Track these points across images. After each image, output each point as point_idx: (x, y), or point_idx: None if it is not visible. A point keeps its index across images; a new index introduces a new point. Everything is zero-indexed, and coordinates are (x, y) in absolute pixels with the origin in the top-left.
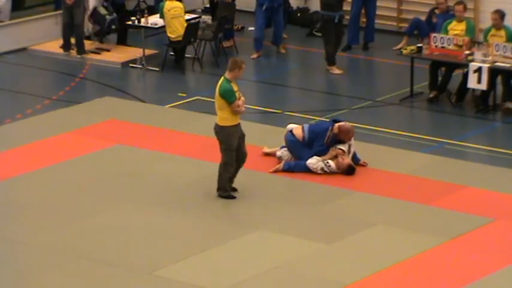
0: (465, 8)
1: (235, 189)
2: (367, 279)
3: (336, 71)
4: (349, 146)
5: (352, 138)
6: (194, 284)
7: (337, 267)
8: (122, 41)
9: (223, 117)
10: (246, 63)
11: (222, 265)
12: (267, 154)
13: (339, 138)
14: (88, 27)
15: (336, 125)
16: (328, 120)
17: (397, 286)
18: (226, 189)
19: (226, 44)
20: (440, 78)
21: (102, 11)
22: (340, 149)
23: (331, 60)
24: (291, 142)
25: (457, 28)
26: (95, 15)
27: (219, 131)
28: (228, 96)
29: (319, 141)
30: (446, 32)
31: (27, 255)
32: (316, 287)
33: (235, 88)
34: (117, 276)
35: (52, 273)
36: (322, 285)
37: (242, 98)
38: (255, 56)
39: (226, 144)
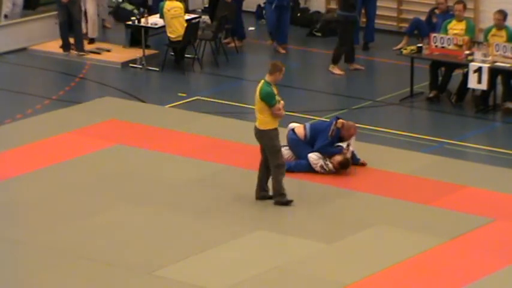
0: (465, 8)
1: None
2: (367, 279)
3: (337, 71)
4: (348, 145)
5: (353, 138)
6: (194, 284)
7: (337, 267)
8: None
9: (264, 120)
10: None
11: (222, 265)
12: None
13: (341, 135)
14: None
15: (340, 120)
16: (328, 120)
17: (397, 286)
18: (283, 194)
19: (238, 43)
20: (440, 78)
21: (128, 6)
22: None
23: (336, 60)
24: (293, 140)
25: (456, 28)
26: (118, 14)
27: (261, 135)
28: (269, 99)
29: (324, 135)
30: (446, 31)
31: (27, 255)
32: (316, 287)
33: (275, 91)
34: (117, 276)
35: (52, 273)
36: (322, 285)
37: (282, 101)
38: (270, 42)
39: (272, 147)
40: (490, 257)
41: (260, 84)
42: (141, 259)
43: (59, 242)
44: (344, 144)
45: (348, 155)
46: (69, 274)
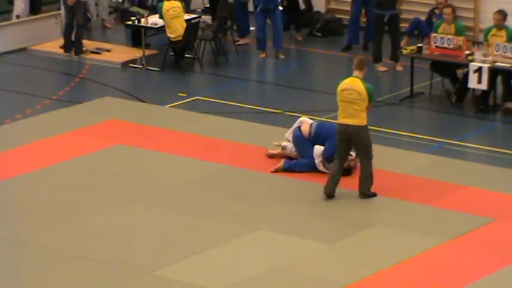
0: (454, 11)
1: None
2: (367, 279)
3: (381, 68)
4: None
5: None
6: (194, 284)
7: (337, 267)
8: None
9: (363, 117)
10: None
11: (222, 265)
12: (272, 156)
13: None
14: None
15: None
16: (327, 119)
17: (397, 286)
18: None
19: (242, 41)
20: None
21: (135, 9)
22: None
23: (375, 59)
24: (297, 137)
25: (446, 32)
26: (125, 16)
27: (363, 132)
28: (373, 95)
29: (332, 141)
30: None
31: (27, 255)
32: (316, 287)
33: None
34: (117, 276)
35: (52, 273)
36: (322, 285)
37: None
38: (263, 55)
39: (369, 141)
40: (490, 257)
41: (358, 83)
42: (141, 259)
43: (58, 242)
44: (353, 153)
45: (352, 163)
46: (69, 274)
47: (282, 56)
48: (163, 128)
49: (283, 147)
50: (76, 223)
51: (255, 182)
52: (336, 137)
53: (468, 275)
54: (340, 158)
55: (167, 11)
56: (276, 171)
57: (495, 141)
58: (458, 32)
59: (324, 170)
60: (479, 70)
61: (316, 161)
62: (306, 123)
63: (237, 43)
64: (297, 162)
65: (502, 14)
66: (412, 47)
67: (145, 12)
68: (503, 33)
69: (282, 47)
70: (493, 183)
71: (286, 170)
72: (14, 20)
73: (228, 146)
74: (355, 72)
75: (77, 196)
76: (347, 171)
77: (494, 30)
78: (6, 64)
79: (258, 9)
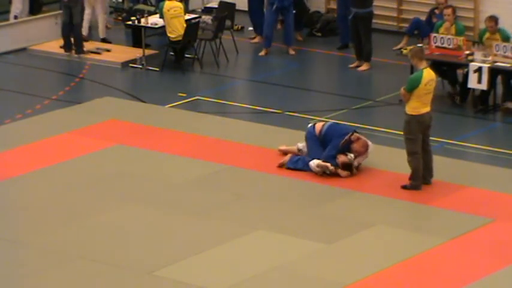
0: (454, 12)
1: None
2: (367, 279)
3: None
4: (355, 157)
5: (364, 157)
6: (194, 284)
7: (337, 267)
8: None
9: None
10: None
11: (222, 265)
12: (283, 152)
13: (353, 148)
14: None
15: (356, 134)
16: (328, 120)
17: (397, 286)
18: None
19: (257, 39)
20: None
21: (141, 7)
22: (349, 154)
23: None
24: (309, 133)
25: (447, 32)
26: (130, 16)
27: None
28: None
29: (335, 143)
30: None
31: (27, 256)
32: (316, 287)
33: None
34: (117, 276)
35: (52, 273)
36: (322, 285)
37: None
38: (263, 53)
39: None
40: (490, 257)
41: (432, 73)
42: (141, 259)
43: (58, 242)
44: (352, 155)
45: (352, 159)
46: (69, 274)
47: (292, 52)
48: (163, 128)
49: (299, 151)
50: (76, 223)
51: (255, 182)
52: (417, 128)
53: (468, 275)
54: (419, 149)
55: (168, 10)
56: (281, 165)
57: (495, 141)
58: (459, 33)
59: (323, 174)
60: (479, 70)
61: (318, 173)
62: (319, 122)
63: (252, 41)
64: (300, 158)
65: (493, 20)
66: (412, 47)
67: (151, 9)
68: (497, 36)
69: (293, 43)
70: (493, 183)
71: (289, 167)
72: (13, 20)
73: (228, 146)
74: (423, 63)
75: (77, 196)
76: (346, 167)
77: (488, 34)
78: (6, 64)
79: (274, 7)
